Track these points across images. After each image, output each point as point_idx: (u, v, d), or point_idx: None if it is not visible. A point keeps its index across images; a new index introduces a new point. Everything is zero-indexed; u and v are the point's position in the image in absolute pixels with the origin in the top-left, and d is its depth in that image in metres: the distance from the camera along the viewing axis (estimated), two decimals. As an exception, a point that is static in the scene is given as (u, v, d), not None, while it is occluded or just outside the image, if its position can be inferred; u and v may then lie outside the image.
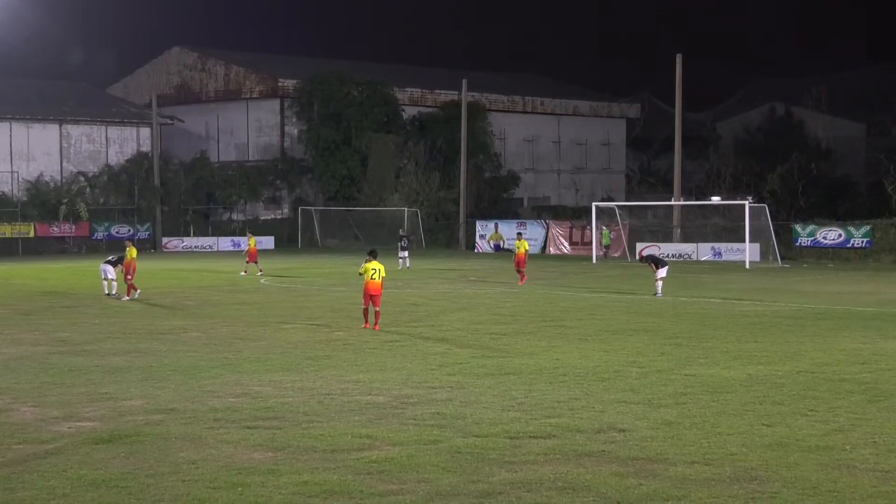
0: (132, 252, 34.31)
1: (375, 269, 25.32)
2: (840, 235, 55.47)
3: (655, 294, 33.82)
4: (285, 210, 78.66)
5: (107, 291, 34.16)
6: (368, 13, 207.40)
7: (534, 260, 57.74)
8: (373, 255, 25.89)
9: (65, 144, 72.00)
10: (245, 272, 44.18)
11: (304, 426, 14.10)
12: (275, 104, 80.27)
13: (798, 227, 57.16)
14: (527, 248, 41.04)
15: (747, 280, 42.64)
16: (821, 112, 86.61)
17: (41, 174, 69.08)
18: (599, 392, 16.58)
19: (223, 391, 16.80)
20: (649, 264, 35.21)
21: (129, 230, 68.88)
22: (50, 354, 21.09)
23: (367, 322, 25.40)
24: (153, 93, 76.47)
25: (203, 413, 14.99)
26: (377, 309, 25.36)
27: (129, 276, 33.63)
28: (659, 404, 15.55)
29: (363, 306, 25.66)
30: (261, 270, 44.20)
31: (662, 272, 34.35)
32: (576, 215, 70.27)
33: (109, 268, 34.29)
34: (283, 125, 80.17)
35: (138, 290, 33.65)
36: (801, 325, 26.01)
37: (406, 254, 48.61)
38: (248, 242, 46.25)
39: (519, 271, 39.68)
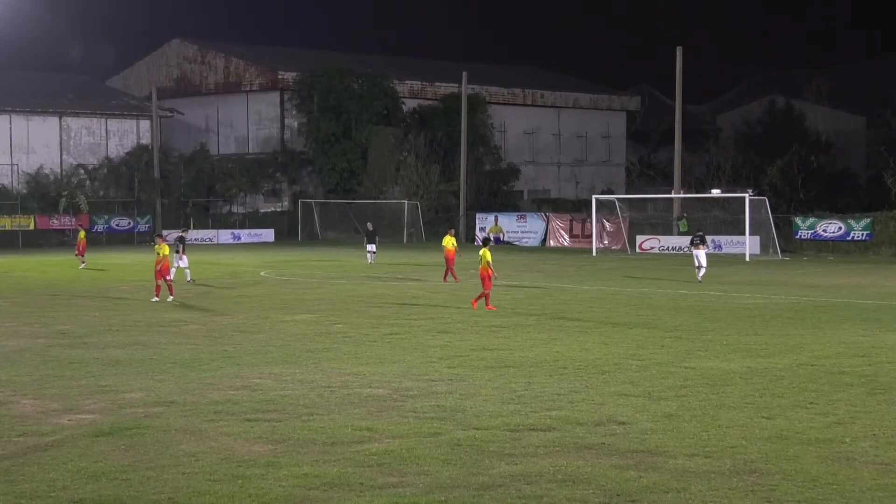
0: (164, 249, 31.13)
1: (480, 256, 28.20)
2: (840, 228, 55.48)
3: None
4: (285, 203, 78.66)
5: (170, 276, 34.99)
6: (368, 5, 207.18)
7: (534, 253, 57.81)
8: (485, 243, 29.76)
9: (65, 137, 71.99)
10: (84, 264, 44.44)
11: (304, 419, 14.11)
12: (275, 97, 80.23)
13: (798, 220, 57.16)
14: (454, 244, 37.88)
15: (747, 273, 42.65)
16: (821, 105, 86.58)
17: (41, 167, 69.08)
18: (599, 385, 16.59)
19: (223, 384, 16.82)
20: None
21: (130, 223, 68.90)
22: (50, 347, 21.10)
23: (488, 305, 27.98)
24: (153, 85, 76.42)
25: (203, 405, 15.00)
26: (486, 291, 28.06)
27: (169, 277, 30.98)
28: (659, 397, 15.56)
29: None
30: (83, 263, 44.44)
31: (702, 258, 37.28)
32: (576, 208, 70.24)
33: (175, 256, 35.89)
34: (282, 118, 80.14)
35: (159, 297, 30.57)
36: (800, 317, 26.02)
37: (373, 247, 47.68)
38: (79, 235, 46.40)
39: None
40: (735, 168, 72.97)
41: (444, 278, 37.15)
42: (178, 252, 36.98)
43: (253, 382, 16.94)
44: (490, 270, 28.02)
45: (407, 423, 13.79)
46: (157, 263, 30.81)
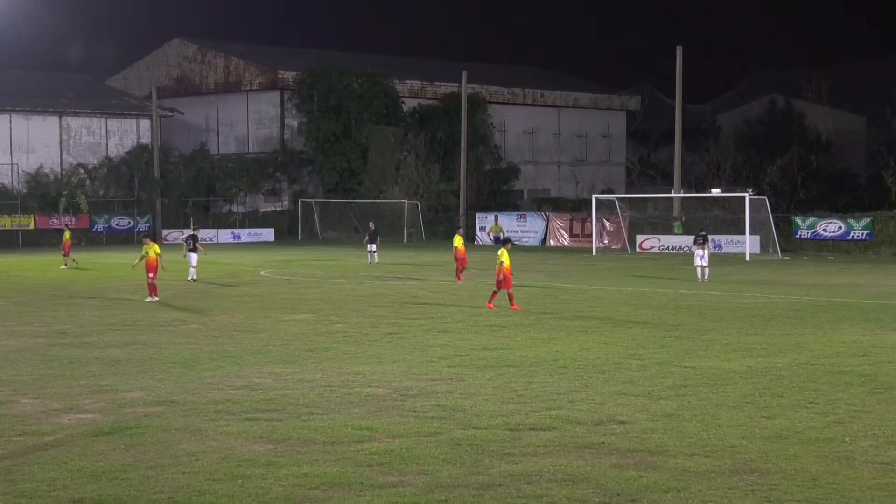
0: (155, 248, 31.02)
1: (498, 256, 28.21)
2: (840, 228, 55.49)
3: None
4: (285, 202, 78.67)
5: (195, 277, 37.01)
6: (368, 5, 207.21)
7: (534, 252, 57.79)
8: (504, 243, 29.42)
9: (65, 136, 71.99)
10: (66, 265, 44.68)
11: (304, 418, 14.11)
12: (275, 96, 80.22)
13: (798, 220, 57.19)
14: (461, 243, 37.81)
15: (747, 272, 42.65)
16: (821, 104, 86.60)
17: (41, 166, 69.09)
18: (599, 384, 16.59)
19: (223, 383, 16.82)
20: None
21: (130, 222, 68.90)
22: (50, 346, 21.10)
23: (490, 302, 28.15)
24: (153, 85, 76.40)
25: (203, 405, 15.00)
26: (509, 290, 27.88)
27: (152, 275, 30.58)
28: (659, 396, 15.56)
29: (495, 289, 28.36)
30: (73, 263, 44.72)
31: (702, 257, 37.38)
32: (576, 207, 70.19)
33: (193, 255, 37.41)
34: (282, 117, 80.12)
35: (157, 297, 30.30)
36: (801, 317, 26.02)
37: (374, 247, 47.42)
38: (64, 236, 46.53)
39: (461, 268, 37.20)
40: (735, 167, 72.98)
41: (460, 278, 36.97)
42: (192, 250, 37.66)
43: (253, 382, 16.94)
44: (506, 270, 27.79)
45: (407, 423, 13.79)
46: (147, 264, 30.61)
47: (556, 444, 12.66)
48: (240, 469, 11.54)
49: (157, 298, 30.24)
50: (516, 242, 63.85)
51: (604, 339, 21.82)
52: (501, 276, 28.00)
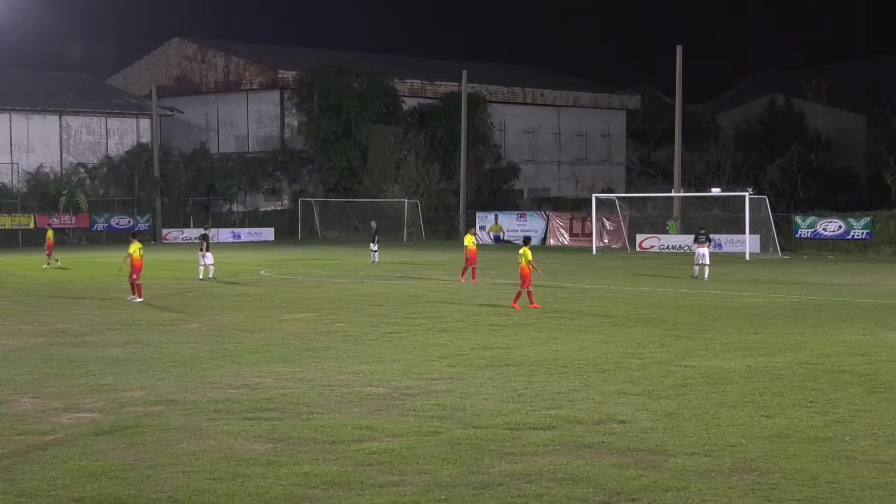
0: (134, 247, 30.57)
1: (521, 254, 28.56)
2: (840, 227, 55.50)
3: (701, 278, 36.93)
4: (285, 201, 78.66)
5: (200, 277, 37.28)
6: (368, 5, 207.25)
7: (534, 251, 57.62)
8: (525, 241, 29.74)
9: (64, 136, 71.96)
10: (48, 265, 44.73)
11: (304, 417, 14.11)
12: (275, 95, 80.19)
13: (798, 219, 57.19)
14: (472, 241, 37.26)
15: (747, 271, 42.65)
16: (821, 103, 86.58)
17: (41, 165, 69.07)
18: (599, 383, 16.59)
19: (223, 382, 16.82)
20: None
21: (130, 221, 68.87)
22: (50, 346, 21.10)
23: (533, 303, 28.00)
24: (153, 84, 76.32)
25: (203, 404, 15.01)
26: (523, 289, 28.16)
27: (135, 276, 30.28)
28: (659, 396, 15.56)
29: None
30: (57, 260, 44.99)
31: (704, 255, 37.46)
32: (576, 207, 70.16)
33: (201, 254, 37.58)
34: (283, 116, 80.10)
35: (141, 297, 29.96)
36: (800, 316, 26.02)
37: (376, 246, 47.26)
38: (47, 235, 46.59)
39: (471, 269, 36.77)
40: (735, 167, 72.96)
41: (462, 276, 36.88)
42: (202, 250, 37.78)
43: (253, 381, 16.94)
44: (530, 268, 28.05)
45: (407, 422, 13.80)
46: (133, 263, 30.26)
47: (556, 443, 12.66)
48: (240, 468, 11.54)
49: (139, 299, 29.77)
50: (516, 242, 63.94)
51: (604, 339, 21.82)
52: (539, 271, 28.63)
